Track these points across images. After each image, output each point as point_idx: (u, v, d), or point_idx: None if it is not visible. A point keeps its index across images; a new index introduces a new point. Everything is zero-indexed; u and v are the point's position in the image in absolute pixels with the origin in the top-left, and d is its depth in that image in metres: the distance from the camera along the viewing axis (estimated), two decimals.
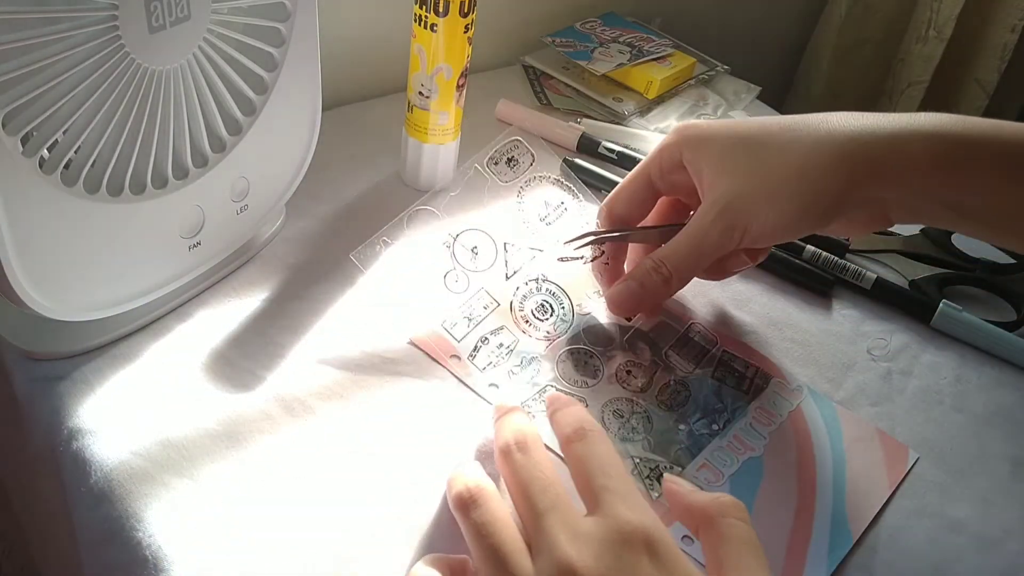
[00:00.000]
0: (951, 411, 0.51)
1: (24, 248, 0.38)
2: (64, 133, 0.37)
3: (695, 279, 0.50)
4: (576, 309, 0.51)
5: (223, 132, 0.44)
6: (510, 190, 0.53)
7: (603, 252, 0.52)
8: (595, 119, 0.71)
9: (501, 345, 0.48)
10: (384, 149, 0.62)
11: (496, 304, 0.50)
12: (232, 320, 0.49)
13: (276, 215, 0.54)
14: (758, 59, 1.12)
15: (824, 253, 0.59)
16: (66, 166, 0.38)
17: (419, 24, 0.53)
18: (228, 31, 0.42)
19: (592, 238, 0.51)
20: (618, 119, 0.72)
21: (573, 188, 0.54)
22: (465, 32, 0.53)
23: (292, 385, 0.45)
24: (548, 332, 0.50)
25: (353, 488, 0.41)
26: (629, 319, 0.51)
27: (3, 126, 0.34)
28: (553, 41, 0.76)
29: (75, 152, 0.38)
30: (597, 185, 0.63)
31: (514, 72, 0.77)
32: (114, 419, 0.42)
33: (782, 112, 0.78)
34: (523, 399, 0.46)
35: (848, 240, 0.61)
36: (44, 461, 0.45)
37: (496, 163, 0.53)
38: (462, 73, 0.55)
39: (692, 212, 0.50)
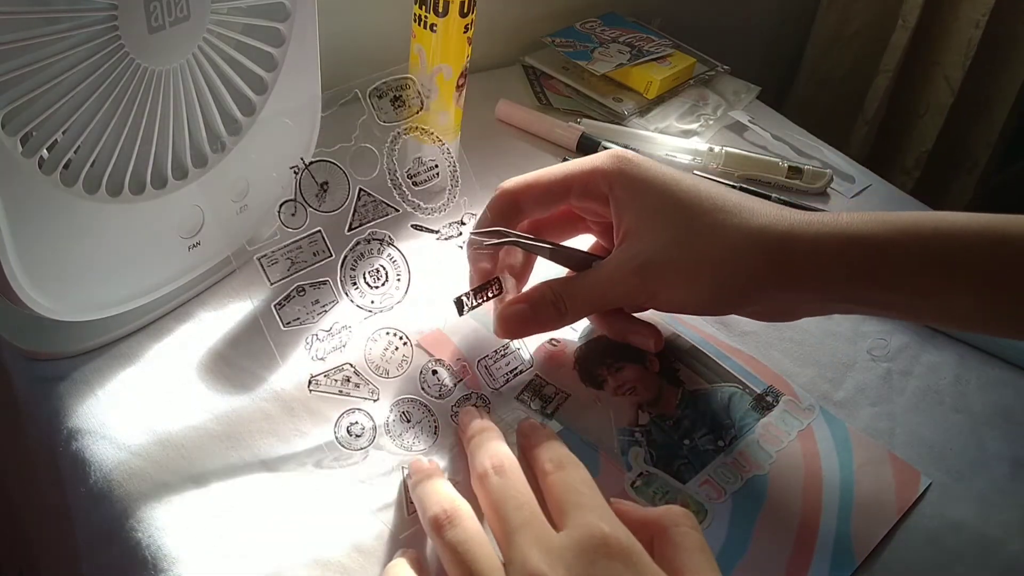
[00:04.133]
0: (951, 411, 0.51)
1: (24, 248, 0.38)
2: (64, 133, 0.37)
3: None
4: (409, 287, 0.45)
5: (223, 132, 0.44)
6: (384, 132, 0.45)
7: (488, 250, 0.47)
8: (595, 119, 0.71)
9: (317, 302, 0.43)
10: None
11: (328, 255, 0.43)
12: (232, 320, 0.49)
13: (276, 215, 0.54)
14: (758, 59, 1.12)
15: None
16: (66, 166, 0.38)
17: (419, 24, 0.53)
18: (228, 31, 0.42)
19: (505, 240, 0.46)
20: (618, 119, 0.72)
21: (451, 154, 0.47)
22: (465, 32, 0.53)
23: (292, 385, 0.45)
24: (373, 302, 0.45)
25: (353, 488, 0.41)
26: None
27: (3, 126, 0.34)
28: (553, 41, 0.76)
29: (75, 152, 0.38)
30: None
31: (514, 72, 0.77)
32: (114, 419, 0.42)
33: (783, 112, 0.78)
34: (315, 372, 0.43)
35: None
36: (44, 461, 0.45)
37: (380, 96, 0.45)
38: (462, 73, 0.55)
39: (592, 237, 0.50)
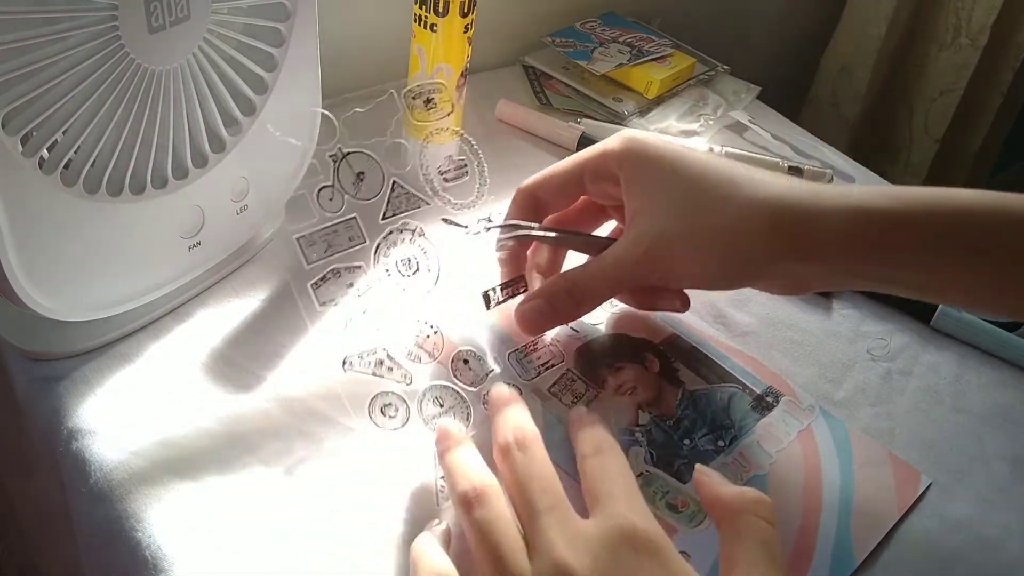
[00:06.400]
0: (951, 411, 0.51)
1: (24, 248, 0.38)
2: (64, 133, 0.37)
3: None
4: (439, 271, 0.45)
5: (223, 132, 0.44)
6: (418, 130, 0.48)
7: (512, 245, 0.49)
8: (595, 119, 0.71)
9: (351, 285, 0.44)
10: (384, 149, 0.62)
11: (363, 241, 0.44)
12: (232, 320, 0.49)
13: (276, 215, 0.54)
14: (758, 59, 1.12)
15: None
16: (66, 166, 0.38)
17: (419, 24, 0.53)
18: (228, 31, 0.42)
19: (521, 232, 0.48)
20: (618, 119, 0.72)
21: (477, 154, 0.48)
22: (465, 32, 0.53)
23: (292, 385, 0.45)
24: (405, 290, 0.45)
25: (354, 487, 0.41)
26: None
27: (3, 126, 0.34)
28: (553, 41, 0.76)
29: (75, 152, 0.38)
30: None
31: (514, 72, 0.77)
32: (114, 419, 0.42)
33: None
34: (349, 353, 0.43)
35: None
36: (44, 461, 0.45)
37: (415, 97, 0.47)
38: (462, 73, 0.55)
39: (614, 223, 0.50)
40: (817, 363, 0.53)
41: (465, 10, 0.52)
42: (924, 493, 0.46)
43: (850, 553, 0.42)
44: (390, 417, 0.42)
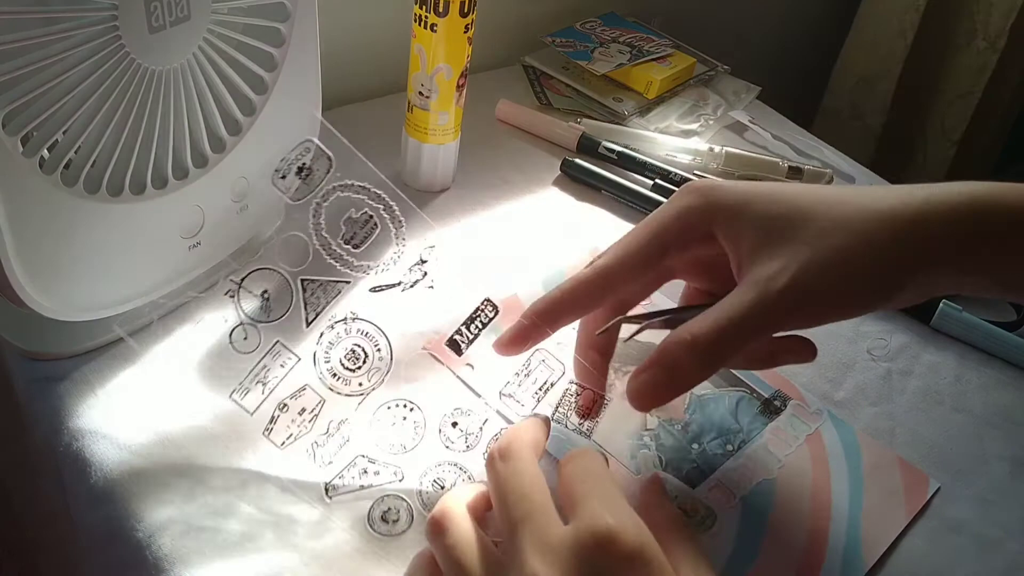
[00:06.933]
0: (951, 411, 0.51)
1: (24, 248, 0.38)
2: (64, 133, 0.37)
3: None
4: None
5: (223, 132, 0.44)
6: (303, 211, 0.42)
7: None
8: (595, 119, 0.71)
9: (304, 410, 0.41)
10: (384, 149, 0.62)
11: (296, 359, 0.41)
12: (232, 320, 0.48)
13: (276, 215, 0.54)
14: (758, 59, 1.12)
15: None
16: (66, 166, 0.38)
17: (419, 24, 0.53)
18: (228, 31, 0.42)
19: (643, 325, 0.40)
20: (618, 119, 0.72)
21: (383, 196, 0.43)
22: (465, 32, 0.53)
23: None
24: (361, 384, 0.42)
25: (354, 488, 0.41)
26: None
27: (3, 126, 0.34)
28: (553, 41, 0.76)
29: (75, 152, 0.38)
30: (597, 185, 0.63)
31: (514, 72, 0.77)
32: (114, 419, 0.42)
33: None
34: (328, 478, 0.41)
35: None
36: (44, 461, 0.45)
37: (283, 176, 0.42)
38: (462, 73, 0.55)
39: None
40: (817, 363, 0.52)
41: (465, 10, 0.52)
42: (932, 497, 0.46)
43: (860, 558, 0.42)
44: (392, 522, 0.40)
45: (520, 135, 0.69)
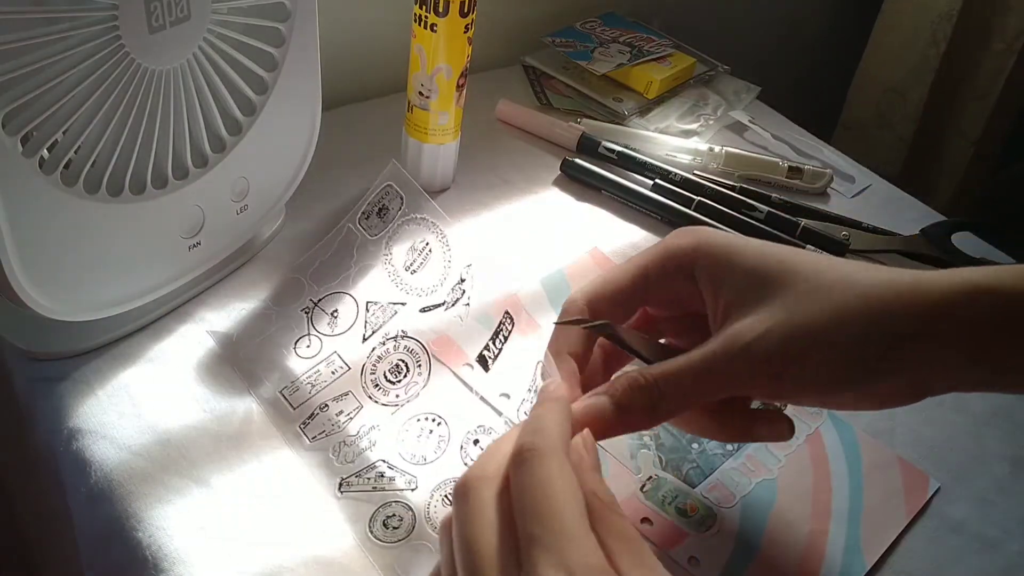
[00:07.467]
0: (951, 411, 0.51)
1: (24, 248, 0.38)
2: (64, 133, 0.37)
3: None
4: (432, 367, 0.45)
5: (223, 132, 0.44)
6: (377, 245, 0.49)
7: None
8: (595, 119, 0.71)
9: (341, 413, 0.44)
10: (384, 149, 0.62)
11: (347, 368, 0.46)
12: (232, 320, 0.49)
13: (276, 215, 0.54)
14: (759, 59, 1.12)
15: (825, 253, 0.59)
16: (66, 166, 0.38)
17: (419, 24, 0.53)
18: (228, 31, 0.42)
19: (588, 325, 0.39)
20: (618, 119, 0.72)
21: (433, 222, 0.48)
22: (465, 32, 0.53)
23: (292, 386, 0.45)
24: (398, 396, 0.45)
25: (354, 487, 0.41)
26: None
27: (3, 126, 0.34)
28: (553, 41, 0.76)
29: (75, 152, 0.38)
30: (597, 185, 0.63)
31: (514, 72, 0.77)
32: (114, 419, 0.42)
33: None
34: (344, 475, 0.41)
35: (848, 240, 0.61)
36: (44, 461, 0.45)
37: (367, 216, 0.49)
38: (462, 73, 0.55)
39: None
40: None
41: (465, 10, 0.52)
42: (932, 497, 0.46)
43: (860, 557, 0.42)
44: (393, 529, 0.40)
45: (520, 135, 0.69)
